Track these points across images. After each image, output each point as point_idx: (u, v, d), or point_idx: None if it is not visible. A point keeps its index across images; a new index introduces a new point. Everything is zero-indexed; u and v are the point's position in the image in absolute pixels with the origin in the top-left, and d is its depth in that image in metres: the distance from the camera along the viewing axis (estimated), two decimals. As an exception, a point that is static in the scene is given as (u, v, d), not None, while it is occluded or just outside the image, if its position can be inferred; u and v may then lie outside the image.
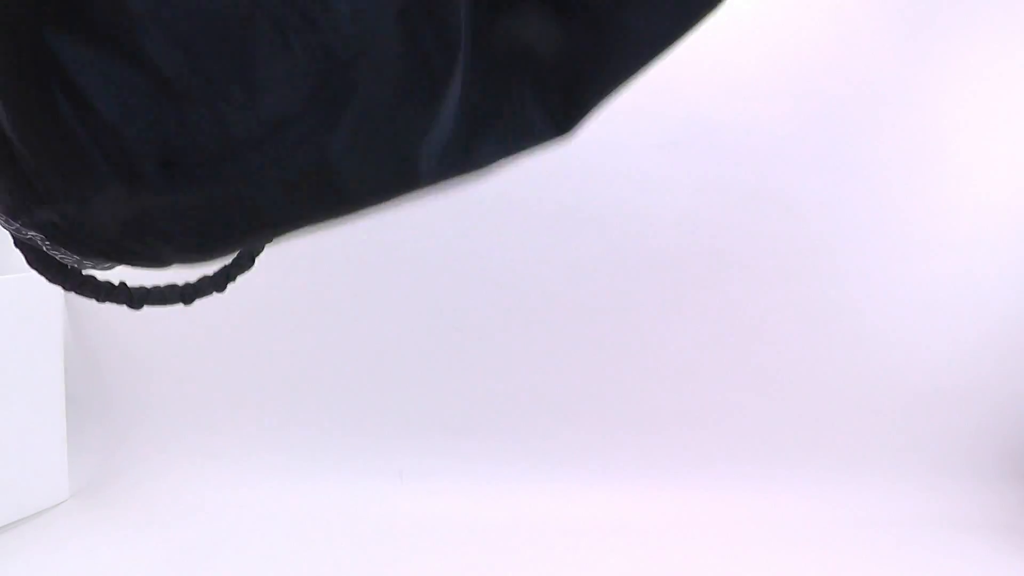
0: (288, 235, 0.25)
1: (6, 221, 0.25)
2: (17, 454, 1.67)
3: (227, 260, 0.36)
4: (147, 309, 0.36)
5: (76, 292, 0.33)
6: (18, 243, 0.29)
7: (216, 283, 0.37)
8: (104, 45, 0.19)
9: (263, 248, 0.36)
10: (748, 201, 1.81)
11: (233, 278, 0.37)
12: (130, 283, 0.34)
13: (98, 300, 0.33)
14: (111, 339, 1.91)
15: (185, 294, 0.36)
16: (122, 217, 0.23)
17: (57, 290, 1.81)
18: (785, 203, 1.81)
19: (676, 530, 1.69)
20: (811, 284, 1.85)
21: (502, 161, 0.27)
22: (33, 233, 0.25)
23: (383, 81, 0.22)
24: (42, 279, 0.31)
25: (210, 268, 0.35)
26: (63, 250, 0.26)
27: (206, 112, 0.20)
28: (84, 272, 0.33)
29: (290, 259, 1.81)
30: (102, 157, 0.21)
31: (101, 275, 0.34)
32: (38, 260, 0.30)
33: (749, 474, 1.83)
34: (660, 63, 0.27)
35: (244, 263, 0.37)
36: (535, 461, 1.85)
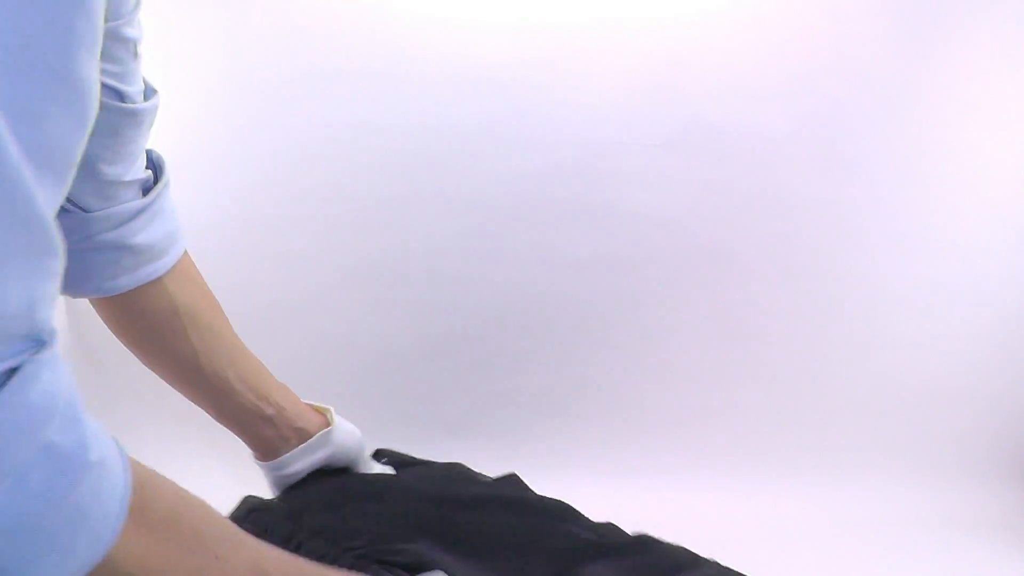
0: None
1: None
2: (17, 454, 1.67)
3: None
4: None
5: None
6: None
7: None
8: None
9: None
10: (748, 201, 1.81)
11: None
12: None
13: None
14: (111, 339, 1.90)
15: None
16: None
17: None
18: (785, 203, 1.81)
19: (675, 530, 1.69)
20: (811, 284, 1.85)
21: None
22: None
23: None
24: None
25: None
26: None
27: None
28: None
29: (289, 260, 1.81)
30: None
31: None
32: None
33: (748, 474, 1.83)
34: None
35: None
36: (535, 461, 1.84)
